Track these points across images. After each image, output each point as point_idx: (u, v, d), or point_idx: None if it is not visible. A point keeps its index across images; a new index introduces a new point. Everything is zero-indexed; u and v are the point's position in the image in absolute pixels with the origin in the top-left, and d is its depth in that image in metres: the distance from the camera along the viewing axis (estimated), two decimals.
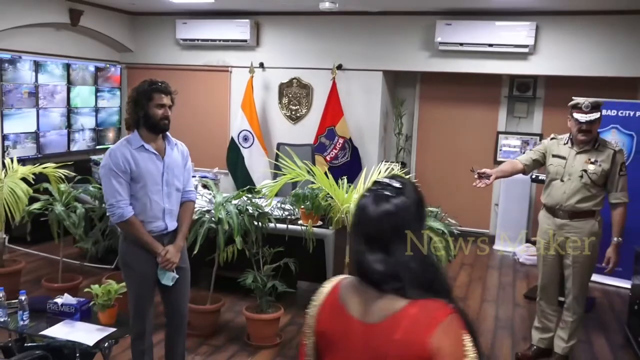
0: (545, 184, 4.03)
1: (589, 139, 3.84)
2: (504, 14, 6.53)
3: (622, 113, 5.79)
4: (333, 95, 7.12)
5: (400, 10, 6.90)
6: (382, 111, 7.35)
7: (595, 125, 3.83)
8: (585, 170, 3.81)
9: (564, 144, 3.96)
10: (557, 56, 6.48)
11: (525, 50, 6.44)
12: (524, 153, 4.66)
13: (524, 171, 4.11)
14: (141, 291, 3.19)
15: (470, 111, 7.38)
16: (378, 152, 7.38)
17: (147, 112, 3.07)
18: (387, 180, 1.53)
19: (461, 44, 6.63)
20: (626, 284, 5.39)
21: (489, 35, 6.51)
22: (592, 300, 5.38)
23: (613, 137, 5.79)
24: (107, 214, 3.13)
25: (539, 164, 4.12)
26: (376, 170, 4.35)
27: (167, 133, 3.23)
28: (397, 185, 1.51)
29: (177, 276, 3.21)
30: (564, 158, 3.90)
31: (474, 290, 5.63)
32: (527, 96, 7.15)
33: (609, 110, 5.83)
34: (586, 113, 3.76)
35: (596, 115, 3.77)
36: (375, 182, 1.56)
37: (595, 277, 5.86)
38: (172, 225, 3.24)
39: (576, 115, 3.80)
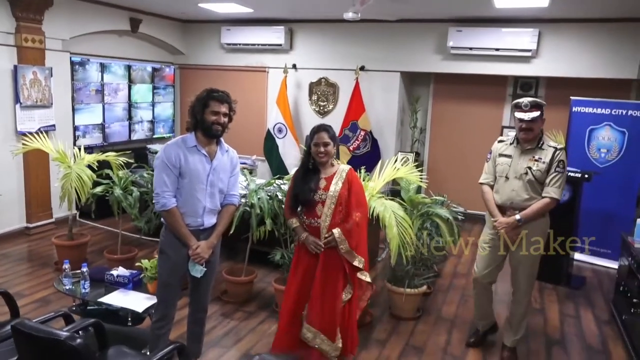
0: (494, 184, 3.56)
1: (529, 137, 3.42)
2: (509, 22, 6.30)
3: (615, 112, 5.54)
4: (356, 93, 7.01)
5: (416, 18, 6.72)
6: (399, 107, 7.21)
7: (535, 124, 3.39)
8: (529, 168, 3.40)
9: (510, 144, 3.55)
10: (557, 59, 6.23)
11: (529, 54, 6.21)
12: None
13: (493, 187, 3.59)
14: (170, 279, 2.99)
15: (478, 108, 7.18)
16: (395, 143, 7.26)
17: (202, 117, 2.87)
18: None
19: (470, 48, 6.43)
20: (614, 265, 5.22)
21: (496, 40, 6.30)
22: (583, 279, 5.23)
23: (607, 133, 5.57)
24: (153, 202, 3.02)
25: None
26: (392, 160, 4.27)
27: (221, 139, 3.00)
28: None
29: (205, 269, 3.00)
30: (509, 157, 3.50)
31: None
32: (529, 95, 6.91)
33: (603, 109, 5.61)
34: (525, 112, 3.37)
35: (536, 113, 3.35)
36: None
37: (585, 258, 5.73)
38: (209, 222, 3.01)
39: (517, 114, 3.42)
